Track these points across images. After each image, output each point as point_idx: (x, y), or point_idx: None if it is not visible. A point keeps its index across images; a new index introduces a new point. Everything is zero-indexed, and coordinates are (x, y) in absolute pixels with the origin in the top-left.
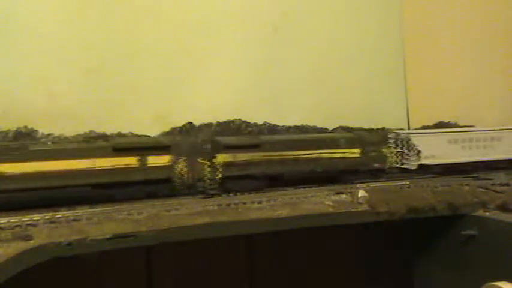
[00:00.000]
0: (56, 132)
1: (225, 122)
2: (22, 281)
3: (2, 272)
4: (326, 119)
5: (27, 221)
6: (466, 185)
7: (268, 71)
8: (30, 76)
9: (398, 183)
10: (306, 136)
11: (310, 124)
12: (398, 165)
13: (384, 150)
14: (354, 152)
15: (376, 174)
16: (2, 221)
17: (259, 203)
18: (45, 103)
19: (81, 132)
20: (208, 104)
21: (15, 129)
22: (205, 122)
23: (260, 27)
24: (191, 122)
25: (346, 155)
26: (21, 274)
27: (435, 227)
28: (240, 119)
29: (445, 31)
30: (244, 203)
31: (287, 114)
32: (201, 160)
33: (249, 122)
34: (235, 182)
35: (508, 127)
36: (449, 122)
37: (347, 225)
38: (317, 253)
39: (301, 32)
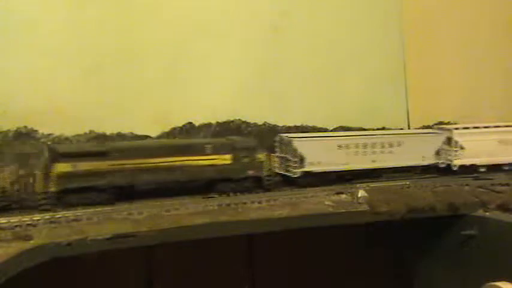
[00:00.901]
0: (56, 132)
1: (225, 122)
2: (22, 281)
3: (2, 272)
4: (326, 119)
5: (27, 221)
6: (466, 185)
7: (268, 71)
8: (30, 76)
9: (398, 183)
10: (164, 142)
11: (310, 124)
12: (282, 173)
13: (259, 156)
14: (225, 159)
15: (256, 182)
16: (2, 221)
17: (259, 203)
18: (45, 103)
19: (81, 132)
20: (208, 104)
21: (15, 129)
22: (205, 122)
23: (260, 27)
24: (191, 122)
25: (216, 162)
26: (21, 274)
27: (435, 227)
28: (240, 119)
29: (445, 31)
30: (244, 203)
31: (287, 114)
32: (35, 171)
33: (249, 122)
34: (76, 195)
35: (409, 131)
36: (449, 122)
37: (347, 225)
38: (317, 253)
39: (301, 32)
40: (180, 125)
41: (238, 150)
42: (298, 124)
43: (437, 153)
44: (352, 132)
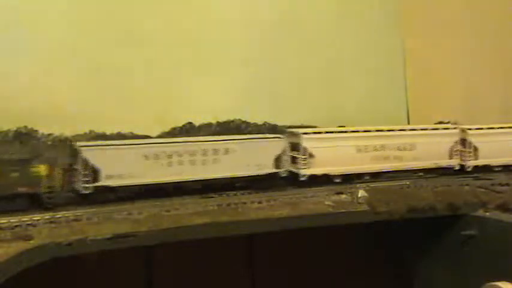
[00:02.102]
0: (56, 132)
1: (225, 122)
2: (22, 281)
3: (2, 272)
4: (326, 119)
5: (27, 221)
6: (466, 185)
7: (268, 71)
8: (30, 76)
9: (399, 183)
10: None
11: (310, 124)
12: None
13: (33, 169)
14: None
15: (32, 200)
16: (2, 221)
17: (259, 203)
18: (45, 103)
19: (81, 132)
20: (208, 104)
21: (15, 129)
22: (205, 122)
23: (260, 28)
24: (191, 122)
25: None
26: (21, 274)
27: (435, 227)
28: (240, 119)
29: (445, 31)
30: (244, 203)
31: (287, 114)
32: None
33: (249, 122)
34: None
35: (243, 136)
36: (449, 122)
37: (347, 225)
38: (317, 253)
39: (302, 33)
40: (180, 125)
41: (3, 163)
42: (298, 124)
43: (277, 160)
44: (167, 139)
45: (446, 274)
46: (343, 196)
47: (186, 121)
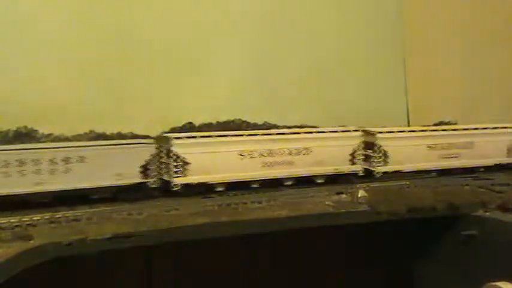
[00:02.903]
0: (56, 132)
1: (225, 122)
2: (22, 281)
3: (2, 272)
4: (326, 119)
5: (27, 221)
6: (466, 185)
7: (268, 71)
8: (30, 76)
9: (398, 183)
10: None
11: (310, 124)
12: None
13: None
14: None
15: None
16: (2, 221)
17: (259, 203)
18: (45, 103)
19: (81, 132)
20: (208, 104)
21: (15, 129)
22: (205, 122)
23: (260, 28)
24: (191, 122)
25: None
26: (21, 274)
27: (435, 227)
28: (240, 119)
29: (445, 31)
30: (245, 203)
31: (287, 114)
32: None
33: (249, 122)
34: None
35: (93, 143)
36: (449, 121)
37: (347, 225)
38: (317, 253)
39: (301, 33)
40: (180, 124)
41: None
42: (298, 124)
43: (145, 168)
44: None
45: (446, 274)
46: (343, 196)
47: (186, 121)
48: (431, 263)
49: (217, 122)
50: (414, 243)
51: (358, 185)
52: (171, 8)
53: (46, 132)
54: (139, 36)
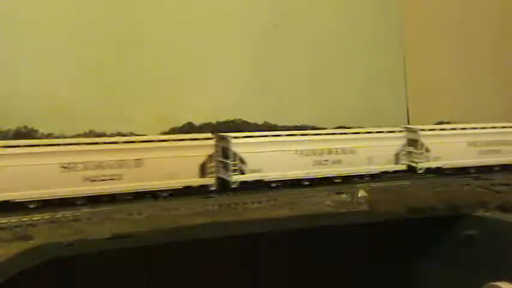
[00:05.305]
0: (56, 132)
1: (225, 121)
2: (22, 281)
3: (2, 272)
4: (326, 119)
5: (27, 221)
6: (466, 185)
7: (268, 71)
8: (30, 76)
9: (398, 183)
10: None
11: (310, 124)
12: None
13: None
14: None
15: None
16: (2, 221)
17: (259, 203)
18: (45, 103)
19: (81, 132)
20: (208, 104)
21: (15, 129)
22: (205, 122)
23: (260, 28)
24: (191, 122)
25: None
26: (21, 274)
27: (435, 227)
28: (240, 119)
29: (444, 32)
30: (245, 203)
31: (287, 114)
32: None
33: (249, 122)
34: None
35: None
36: (449, 121)
37: (347, 225)
38: (317, 253)
39: (302, 33)
40: (180, 124)
41: None
42: (299, 124)
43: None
44: None
45: (446, 274)
46: (343, 196)
47: (186, 121)
48: (431, 263)
49: (217, 122)
50: (414, 243)
51: (358, 185)
52: (171, 8)
53: (46, 132)
54: (140, 36)
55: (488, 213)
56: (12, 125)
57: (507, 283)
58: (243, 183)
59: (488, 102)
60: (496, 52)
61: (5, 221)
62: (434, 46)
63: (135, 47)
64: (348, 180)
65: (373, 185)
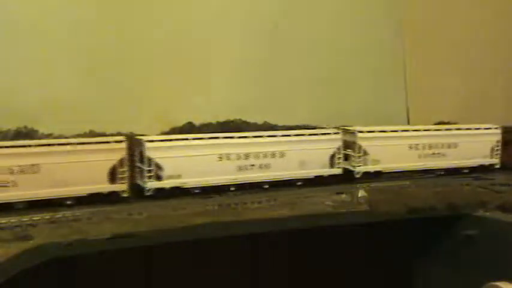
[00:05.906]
0: (56, 132)
1: (225, 121)
2: (22, 281)
3: (2, 272)
4: (326, 119)
5: (27, 221)
6: (466, 185)
7: (268, 71)
8: (30, 76)
9: (398, 183)
10: None
11: (310, 124)
12: None
13: None
14: None
15: None
16: (2, 221)
17: (259, 203)
18: (45, 103)
19: (81, 132)
20: (208, 104)
21: (15, 129)
22: (205, 122)
23: (260, 27)
24: (191, 122)
25: None
26: (21, 274)
27: (435, 227)
28: (240, 119)
29: (444, 31)
30: (245, 203)
31: (287, 114)
32: None
33: (249, 122)
34: None
35: None
36: (449, 122)
37: (347, 225)
38: (317, 253)
39: (301, 32)
40: (180, 124)
41: None
42: (299, 124)
43: None
44: None
45: (446, 274)
46: (343, 196)
47: (186, 121)
48: (431, 263)
49: (217, 122)
50: (414, 243)
51: (358, 185)
52: (171, 8)
53: (46, 132)
54: (139, 36)
55: (488, 213)
56: (12, 125)
57: (507, 283)
58: (160, 190)
59: (489, 102)
60: (497, 52)
61: (5, 221)
62: (434, 46)
63: (135, 46)
64: (279, 185)
65: (373, 185)
